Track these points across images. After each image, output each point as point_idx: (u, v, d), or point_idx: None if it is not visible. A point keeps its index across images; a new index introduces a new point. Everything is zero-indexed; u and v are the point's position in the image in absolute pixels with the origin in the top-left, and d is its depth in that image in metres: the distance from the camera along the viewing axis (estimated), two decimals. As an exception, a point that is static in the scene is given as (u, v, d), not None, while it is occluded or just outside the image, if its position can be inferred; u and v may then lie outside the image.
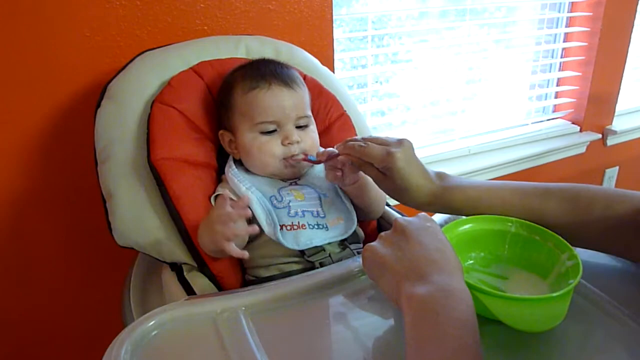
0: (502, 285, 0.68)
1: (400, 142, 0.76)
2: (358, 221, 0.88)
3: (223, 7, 1.11)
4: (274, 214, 0.81)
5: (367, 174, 0.80)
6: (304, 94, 0.88)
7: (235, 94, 0.86)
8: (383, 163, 0.75)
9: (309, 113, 0.89)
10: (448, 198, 0.76)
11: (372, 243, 0.62)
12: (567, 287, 0.59)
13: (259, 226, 0.79)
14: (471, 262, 0.72)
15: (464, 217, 0.74)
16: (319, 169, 0.90)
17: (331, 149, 0.82)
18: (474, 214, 0.74)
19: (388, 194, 0.80)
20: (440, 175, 0.78)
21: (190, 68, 0.93)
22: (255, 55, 0.97)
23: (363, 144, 0.77)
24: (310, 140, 0.87)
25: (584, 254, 0.67)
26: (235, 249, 0.73)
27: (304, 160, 0.85)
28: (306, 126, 0.87)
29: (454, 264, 0.57)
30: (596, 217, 0.68)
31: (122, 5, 1.01)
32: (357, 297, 0.69)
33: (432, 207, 0.77)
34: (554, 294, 0.59)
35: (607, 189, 0.71)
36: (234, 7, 1.12)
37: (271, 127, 0.84)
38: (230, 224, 0.71)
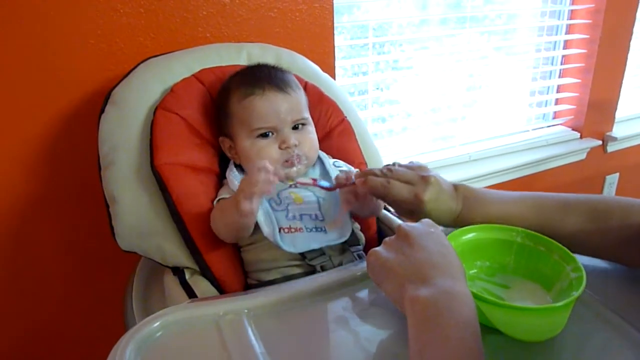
0: (504, 295, 0.68)
1: (427, 181, 0.73)
2: (367, 223, 0.90)
3: (225, 14, 1.12)
4: (273, 217, 0.81)
5: (390, 205, 0.78)
6: (300, 97, 0.89)
7: (232, 102, 0.87)
8: (411, 206, 0.73)
9: (306, 115, 0.89)
10: (470, 218, 0.75)
11: (376, 248, 0.63)
12: (568, 298, 0.59)
13: (259, 227, 0.80)
14: (475, 270, 0.72)
15: (468, 226, 0.74)
16: (318, 172, 0.91)
17: (347, 170, 0.80)
18: None
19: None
20: (462, 193, 0.76)
21: (193, 75, 0.95)
22: (257, 62, 0.98)
23: (386, 183, 0.74)
24: (308, 142, 0.87)
25: (583, 260, 0.67)
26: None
27: (314, 185, 0.84)
28: (303, 126, 0.88)
29: (457, 268, 0.57)
30: (613, 228, 0.68)
31: (126, 14, 1.02)
32: (359, 301, 0.70)
33: (454, 225, 0.76)
34: (553, 305, 0.59)
35: (622, 199, 0.71)
36: (236, 15, 1.13)
37: (268, 132, 0.85)
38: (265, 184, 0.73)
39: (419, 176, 0.74)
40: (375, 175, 0.76)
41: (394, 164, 0.79)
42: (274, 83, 0.86)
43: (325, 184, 0.84)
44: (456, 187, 0.77)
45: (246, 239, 0.84)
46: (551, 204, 0.73)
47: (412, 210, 0.74)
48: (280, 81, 0.87)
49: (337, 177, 0.81)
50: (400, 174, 0.75)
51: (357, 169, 0.91)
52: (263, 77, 0.87)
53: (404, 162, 0.80)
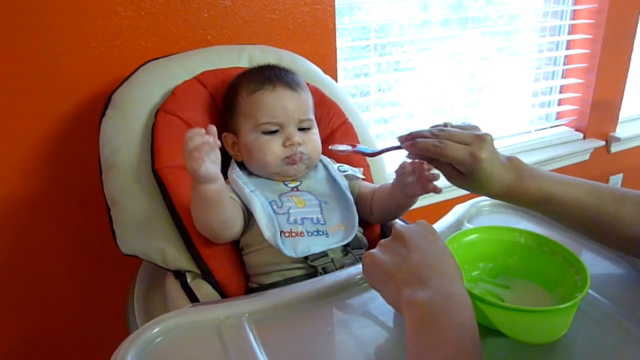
0: (507, 296, 0.67)
1: (483, 139, 0.68)
2: (371, 225, 0.89)
3: (227, 16, 1.12)
4: (275, 220, 0.81)
5: (439, 170, 0.74)
6: (308, 98, 0.89)
7: (240, 96, 0.87)
8: (466, 167, 0.68)
9: (312, 117, 0.90)
10: (522, 190, 0.70)
11: (371, 250, 0.62)
12: (571, 300, 0.58)
13: (260, 230, 0.79)
14: (478, 272, 0.71)
15: (470, 227, 0.73)
16: (322, 175, 0.90)
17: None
18: (546, 210, 0.71)
19: (458, 187, 0.73)
20: (515, 164, 0.71)
21: (194, 77, 0.94)
22: (258, 64, 0.98)
23: (439, 144, 0.68)
24: (312, 143, 0.87)
25: (588, 262, 0.67)
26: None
27: (353, 151, 0.84)
28: (308, 129, 0.88)
29: (453, 269, 0.57)
30: None
31: (127, 17, 1.02)
32: (359, 304, 0.69)
33: (504, 198, 0.71)
34: (556, 307, 0.59)
35: None
36: (238, 17, 1.13)
37: (273, 128, 0.85)
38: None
39: (474, 135, 0.69)
40: (425, 137, 0.71)
41: (445, 125, 0.74)
42: (284, 81, 0.87)
43: (365, 149, 0.82)
44: (509, 157, 0.72)
45: (248, 241, 0.84)
46: (608, 192, 0.70)
47: (467, 172, 0.69)
48: (290, 80, 0.88)
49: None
50: (454, 133, 0.70)
51: (361, 168, 0.94)
52: (274, 75, 0.88)
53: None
